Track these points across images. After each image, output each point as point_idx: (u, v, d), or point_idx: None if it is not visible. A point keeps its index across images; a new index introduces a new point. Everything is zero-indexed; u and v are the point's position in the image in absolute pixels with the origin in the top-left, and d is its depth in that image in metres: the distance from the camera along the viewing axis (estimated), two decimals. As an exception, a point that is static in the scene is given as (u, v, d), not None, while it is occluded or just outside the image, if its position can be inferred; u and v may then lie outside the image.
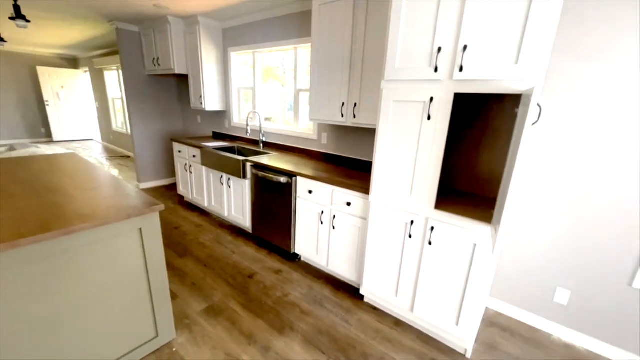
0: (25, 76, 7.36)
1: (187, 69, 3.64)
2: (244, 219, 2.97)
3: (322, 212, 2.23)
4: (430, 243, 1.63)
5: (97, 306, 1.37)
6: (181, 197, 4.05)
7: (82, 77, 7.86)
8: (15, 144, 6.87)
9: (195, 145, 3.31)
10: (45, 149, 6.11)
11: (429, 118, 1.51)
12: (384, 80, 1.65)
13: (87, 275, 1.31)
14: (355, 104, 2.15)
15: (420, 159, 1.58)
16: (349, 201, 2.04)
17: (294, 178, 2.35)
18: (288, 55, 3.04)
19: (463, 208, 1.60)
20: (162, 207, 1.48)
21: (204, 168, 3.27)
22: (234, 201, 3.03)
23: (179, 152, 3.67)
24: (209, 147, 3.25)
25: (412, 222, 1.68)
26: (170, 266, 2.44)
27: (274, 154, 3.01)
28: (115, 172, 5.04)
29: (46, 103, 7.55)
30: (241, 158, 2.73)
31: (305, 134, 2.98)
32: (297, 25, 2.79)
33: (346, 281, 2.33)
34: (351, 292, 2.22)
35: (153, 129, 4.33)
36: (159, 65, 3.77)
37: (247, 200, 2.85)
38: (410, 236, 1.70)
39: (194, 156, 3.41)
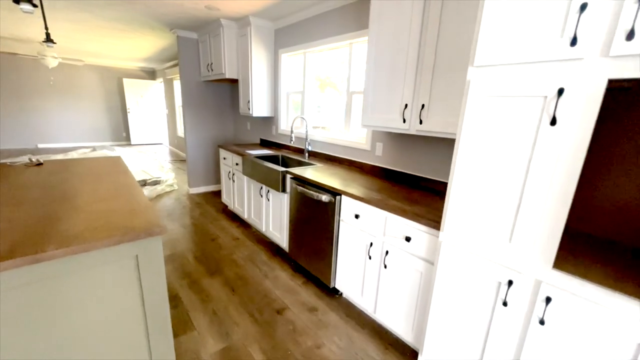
0: (113, 87, 8.37)
1: (238, 73, 3.51)
2: (281, 237, 2.62)
3: (371, 244, 1.74)
4: (542, 323, 1.02)
5: (76, 353, 1.10)
6: (225, 206, 3.92)
7: (157, 87, 8.66)
8: (97, 145, 7.79)
9: (239, 153, 3.10)
10: (118, 151, 6.74)
11: (552, 122, 0.94)
12: (472, 67, 1.12)
13: (64, 314, 1.05)
14: (423, 106, 1.63)
15: (531, 186, 1.00)
16: (408, 235, 1.52)
17: (337, 197, 1.91)
18: (343, 56, 2.65)
19: (604, 269, 0.97)
20: (163, 230, 1.17)
21: (245, 177, 3.04)
22: (272, 216, 2.71)
23: (224, 159, 3.53)
24: (251, 155, 3.02)
25: (509, 282, 1.09)
26: (197, 285, 2.19)
27: (319, 165, 2.62)
28: (172, 174, 5.24)
29: (128, 110, 8.48)
30: (281, 169, 2.40)
31: (357, 144, 2.53)
32: (353, 16, 2.39)
33: (398, 337, 1.78)
34: (405, 354, 1.67)
35: (205, 135, 4.34)
36: (212, 70, 3.73)
37: (284, 217, 2.50)
38: (504, 304, 1.11)
39: (236, 164, 3.22)
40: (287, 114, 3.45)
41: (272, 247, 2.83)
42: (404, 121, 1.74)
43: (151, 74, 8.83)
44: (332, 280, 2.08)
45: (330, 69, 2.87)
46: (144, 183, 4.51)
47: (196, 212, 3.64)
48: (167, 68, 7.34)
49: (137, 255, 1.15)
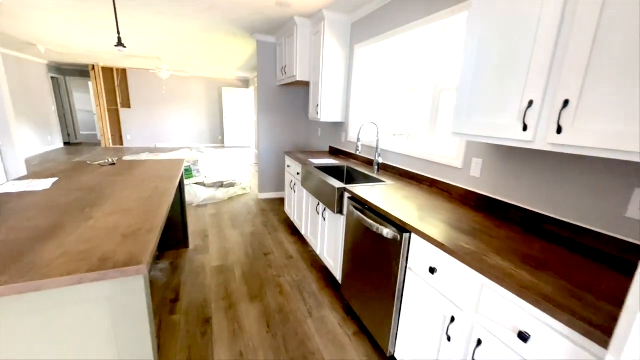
0: (214, 95, 9.43)
1: (309, 75, 3.24)
2: (335, 266, 2.17)
3: (452, 320, 1.12)
4: None
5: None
6: (287, 217, 3.69)
7: (249, 94, 9.37)
8: (196, 147, 8.81)
9: (301, 161, 2.80)
10: (209, 152, 7.42)
11: None
12: None
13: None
14: (566, 104, 0.94)
15: None
16: (525, 330, 0.86)
17: (405, 234, 1.34)
18: (429, 44, 2.05)
19: None
20: (142, 270, 0.87)
21: (304, 190, 2.71)
22: (328, 239, 2.28)
23: (288, 166, 3.30)
24: (312, 164, 2.67)
25: None
26: (233, 310, 1.93)
27: (389, 183, 2.07)
28: (249, 177, 5.39)
29: (224, 116, 9.42)
30: (337, 185, 1.95)
31: (443, 158, 1.88)
32: (450, -13, 1.77)
33: None
34: None
35: (277, 140, 4.25)
36: (285, 73, 3.57)
37: (340, 244, 2.04)
38: None
39: (297, 173, 2.92)
40: (358, 119, 2.99)
41: (325, 275, 2.40)
42: (525, 128, 1.07)
43: (245, 83, 9.63)
44: (390, 345, 1.51)
45: (412, 62, 2.29)
46: (220, 184, 4.71)
47: (258, 220, 3.51)
48: (257, 76, 7.80)
49: (109, 298, 0.87)
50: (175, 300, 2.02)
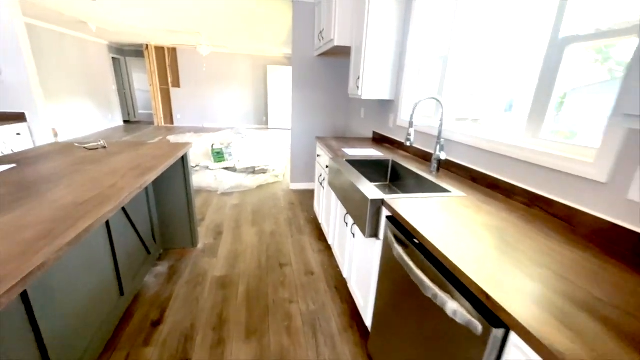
0: (260, 74, 9.09)
1: (351, 38, 2.50)
2: (364, 306, 1.53)
3: None
4: None
5: None
6: (316, 215, 3.11)
7: (295, 73, 8.82)
8: (240, 127, 8.63)
9: (333, 150, 2.15)
10: (252, 134, 7.12)
11: None
12: None
13: None
14: None
15: None
16: None
17: (497, 331, 0.64)
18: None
19: None
20: None
21: (332, 190, 2.08)
22: (357, 265, 1.65)
23: (318, 156, 2.68)
24: (345, 155, 2.00)
25: None
26: (219, 350, 1.44)
27: (457, 193, 1.32)
28: (284, 163, 4.93)
29: (268, 96, 9.06)
30: (373, 194, 1.27)
31: (563, 161, 1.07)
32: None
33: None
34: None
35: (312, 123, 3.63)
36: (322, 39, 2.88)
37: (372, 281, 1.39)
38: None
39: (326, 166, 2.28)
40: (414, 96, 2.21)
41: (352, 307, 1.79)
42: None
43: (291, 60, 9.07)
44: None
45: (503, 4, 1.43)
46: (252, 170, 4.31)
47: (283, 216, 3.00)
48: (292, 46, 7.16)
49: None
50: (157, 323, 1.60)
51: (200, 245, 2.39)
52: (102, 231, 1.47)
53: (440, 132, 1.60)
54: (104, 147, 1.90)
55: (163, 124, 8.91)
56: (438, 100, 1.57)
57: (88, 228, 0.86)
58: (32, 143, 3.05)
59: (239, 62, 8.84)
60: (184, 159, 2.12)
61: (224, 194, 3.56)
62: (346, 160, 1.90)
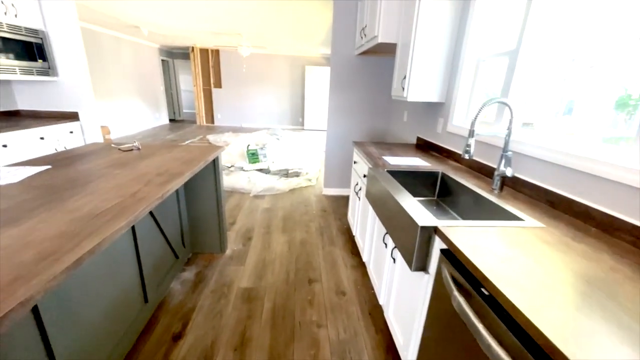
0: (297, 75, 9.07)
1: (397, 34, 2.26)
2: (403, 344, 1.30)
3: None
4: None
5: None
6: (349, 226, 2.91)
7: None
8: (276, 128, 8.68)
9: (372, 158, 1.93)
10: (286, 135, 7.09)
11: None
12: None
13: None
14: None
15: None
16: None
17: None
18: None
19: None
20: None
21: (369, 203, 1.86)
22: (396, 295, 1.42)
23: (355, 162, 2.47)
24: (386, 164, 1.78)
25: None
26: (238, 379, 1.31)
27: (532, 223, 1.04)
28: (319, 166, 4.79)
29: (305, 97, 9.01)
30: (423, 220, 1.04)
31: None
32: None
33: None
34: None
35: (350, 125, 3.43)
36: (364, 35, 2.67)
37: (418, 318, 1.16)
38: None
39: (364, 175, 2.07)
40: (469, 99, 1.91)
41: (386, 342, 1.56)
42: None
43: (329, 60, 8.93)
44: None
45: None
46: (285, 172, 4.23)
47: (315, 224, 2.84)
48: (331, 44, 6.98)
49: None
50: (178, 336, 1.52)
51: (228, 251, 2.31)
52: (127, 236, 1.42)
53: (507, 143, 1.32)
54: (138, 149, 1.88)
55: (204, 123, 9.28)
56: (506, 104, 1.29)
57: (93, 249, 0.75)
58: (83, 141, 3.22)
59: (277, 63, 8.90)
60: (215, 163, 2.05)
61: (256, 196, 3.50)
62: (387, 171, 1.68)
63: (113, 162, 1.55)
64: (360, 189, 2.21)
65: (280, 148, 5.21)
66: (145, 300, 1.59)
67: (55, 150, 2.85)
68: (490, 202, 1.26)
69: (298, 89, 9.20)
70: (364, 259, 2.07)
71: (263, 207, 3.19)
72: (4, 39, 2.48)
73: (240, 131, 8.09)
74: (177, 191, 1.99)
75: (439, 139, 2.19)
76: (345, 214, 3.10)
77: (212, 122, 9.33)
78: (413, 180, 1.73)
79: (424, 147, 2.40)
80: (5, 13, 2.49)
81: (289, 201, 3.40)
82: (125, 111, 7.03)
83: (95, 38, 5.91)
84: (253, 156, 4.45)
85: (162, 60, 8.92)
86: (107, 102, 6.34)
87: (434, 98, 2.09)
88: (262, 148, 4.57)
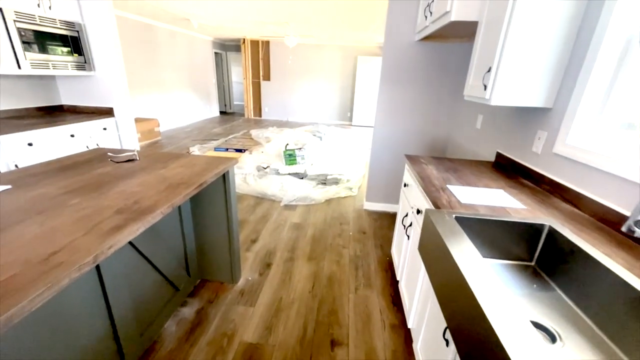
0: (349, 66, 8.45)
1: (479, 9, 1.58)
2: None
3: None
4: None
5: None
6: (391, 261, 2.32)
7: (387, 65, 7.85)
8: (324, 123, 8.20)
9: (433, 185, 1.34)
10: (333, 132, 6.57)
11: None
12: None
13: None
14: None
15: None
16: None
17: None
18: None
19: None
20: None
21: (422, 264, 1.27)
22: None
23: (405, 185, 1.87)
24: (456, 200, 1.17)
25: None
26: None
27: None
28: (363, 171, 4.22)
29: (355, 90, 8.37)
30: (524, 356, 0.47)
31: None
32: None
33: None
34: None
35: (403, 127, 2.80)
36: (430, 14, 2.01)
37: None
38: None
39: (417, 211, 1.48)
40: (603, 104, 1.19)
41: None
42: None
43: (385, 51, 8.11)
44: None
45: None
46: (324, 178, 3.75)
47: (350, 251, 2.33)
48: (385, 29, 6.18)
49: None
50: (149, 415, 1.17)
51: (241, 281, 1.93)
52: (89, 283, 1.08)
53: None
54: (133, 160, 1.56)
55: (252, 116, 9.24)
56: None
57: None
58: (118, 137, 3.14)
59: (327, 53, 8.38)
60: (225, 178, 1.65)
61: (287, 206, 3.09)
62: (456, 218, 1.08)
63: (84, 182, 1.22)
64: (410, 225, 1.62)
65: (322, 149, 4.74)
66: (121, 357, 1.26)
67: (87, 147, 2.77)
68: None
69: (349, 81, 8.58)
70: (410, 325, 1.50)
71: (292, 222, 2.76)
72: (37, 32, 2.40)
73: (285, 126, 7.82)
74: (179, 210, 1.65)
75: (537, 163, 1.48)
76: (389, 239, 2.52)
77: (260, 115, 9.25)
78: (496, 232, 1.11)
79: (508, 169, 1.69)
80: (39, 5, 2.39)
81: (322, 215, 2.93)
82: (176, 103, 7.22)
83: (151, 31, 6.04)
84: (290, 157, 4.05)
85: (216, 53, 9.03)
86: (159, 95, 6.52)
87: (535, 102, 1.39)
88: (300, 149, 4.15)
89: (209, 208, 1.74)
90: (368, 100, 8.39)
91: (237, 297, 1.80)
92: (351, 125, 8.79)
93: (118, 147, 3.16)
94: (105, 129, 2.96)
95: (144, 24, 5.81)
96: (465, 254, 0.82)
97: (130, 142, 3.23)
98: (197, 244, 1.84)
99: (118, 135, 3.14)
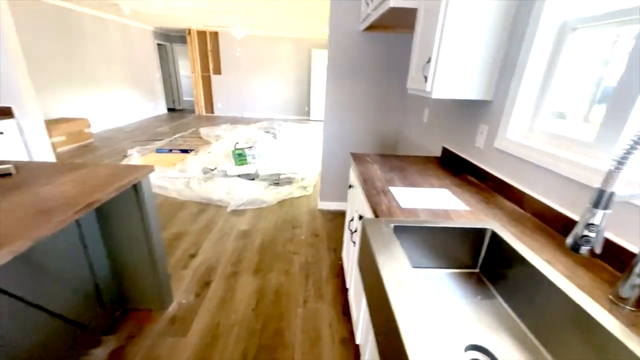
0: (303, 59, 8.23)
1: (418, -6, 1.48)
2: None
3: None
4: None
5: None
6: (342, 266, 2.20)
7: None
8: (281, 119, 7.93)
9: (375, 187, 1.20)
10: (289, 127, 6.33)
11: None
12: None
13: None
14: None
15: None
16: None
17: None
18: None
19: None
20: None
21: (364, 290, 1.14)
22: None
23: (351, 187, 1.75)
24: (397, 205, 1.04)
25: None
26: None
27: None
28: (318, 169, 4.08)
29: (311, 84, 8.19)
30: None
31: None
32: None
33: None
34: None
35: (353, 123, 2.68)
36: (371, 1, 1.88)
37: None
38: None
39: (360, 217, 1.35)
40: (540, 97, 1.13)
41: None
42: None
43: (339, 44, 8.01)
44: None
45: None
46: (276, 179, 3.54)
47: (301, 257, 2.17)
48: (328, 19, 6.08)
49: None
50: None
51: (173, 306, 1.68)
52: None
53: (671, 213, 0.56)
54: (8, 175, 1.22)
55: (204, 112, 8.65)
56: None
57: None
58: (23, 142, 2.63)
59: (280, 46, 8.07)
60: (137, 190, 1.38)
61: (234, 211, 2.84)
62: (395, 227, 0.95)
63: None
64: (356, 231, 1.49)
65: (276, 147, 4.51)
66: None
67: (-24, 156, 2.26)
68: (618, 341, 0.52)
69: (304, 75, 8.37)
70: (358, 341, 1.38)
71: (239, 230, 2.52)
72: None
73: (240, 122, 7.41)
74: (80, 231, 1.34)
75: (480, 158, 1.42)
76: (340, 240, 2.40)
77: (212, 111, 8.69)
78: (438, 237, 1.00)
79: (454, 164, 1.64)
80: None
81: (273, 219, 2.73)
82: (113, 100, 6.46)
83: (71, 17, 5.27)
84: (240, 157, 3.78)
85: (159, 45, 8.25)
86: (90, 91, 5.76)
87: (474, 94, 1.32)
88: (251, 147, 3.88)
89: (122, 227, 1.45)
90: (324, 95, 8.27)
91: (167, 327, 1.54)
92: (309, 120, 8.62)
93: (24, 155, 2.64)
94: (1, 133, 2.45)
95: (60, 8, 5.03)
96: (396, 273, 0.69)
97: (40, 148, 2.72)
98: (113, 269, 1.55)
99: (23, 141, 2.63)
